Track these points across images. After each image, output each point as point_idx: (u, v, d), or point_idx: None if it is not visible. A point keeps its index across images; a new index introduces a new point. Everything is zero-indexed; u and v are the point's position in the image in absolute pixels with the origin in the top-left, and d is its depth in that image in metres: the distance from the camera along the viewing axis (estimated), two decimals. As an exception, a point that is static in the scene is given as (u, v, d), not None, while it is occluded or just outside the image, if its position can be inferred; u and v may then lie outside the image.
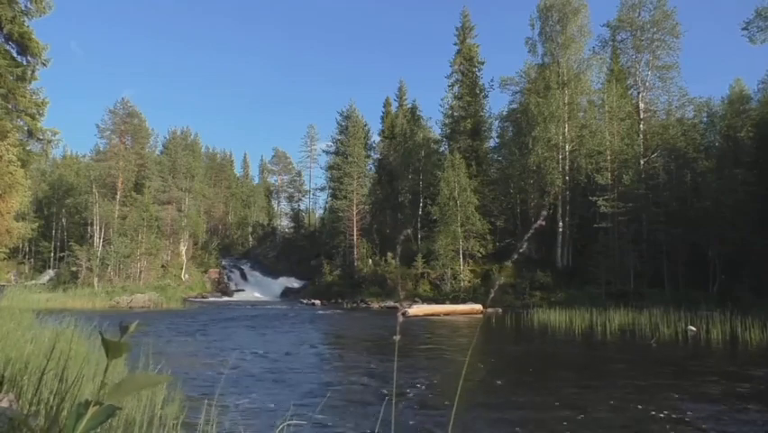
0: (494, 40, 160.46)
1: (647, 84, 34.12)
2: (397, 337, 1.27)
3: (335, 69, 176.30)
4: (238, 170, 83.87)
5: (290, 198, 72.16)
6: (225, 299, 45.18)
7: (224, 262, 57.22)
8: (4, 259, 26.43)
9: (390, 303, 33.89)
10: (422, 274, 37.17)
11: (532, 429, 6.03)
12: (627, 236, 28.85)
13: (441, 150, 44.39)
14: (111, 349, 0.84)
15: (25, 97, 17.44)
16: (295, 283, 50.92)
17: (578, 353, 13.85)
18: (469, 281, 34.83)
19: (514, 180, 38.35)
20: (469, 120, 41.82)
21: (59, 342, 4.55)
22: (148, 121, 53.07)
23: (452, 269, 35.63)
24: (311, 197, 71.76)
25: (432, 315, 25.13)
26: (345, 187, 46.92)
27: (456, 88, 43.11)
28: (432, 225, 38.39)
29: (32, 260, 56.04)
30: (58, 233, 55.69)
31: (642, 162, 30.85)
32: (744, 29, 25.92)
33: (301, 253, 57.22)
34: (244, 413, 6.38)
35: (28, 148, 18.66)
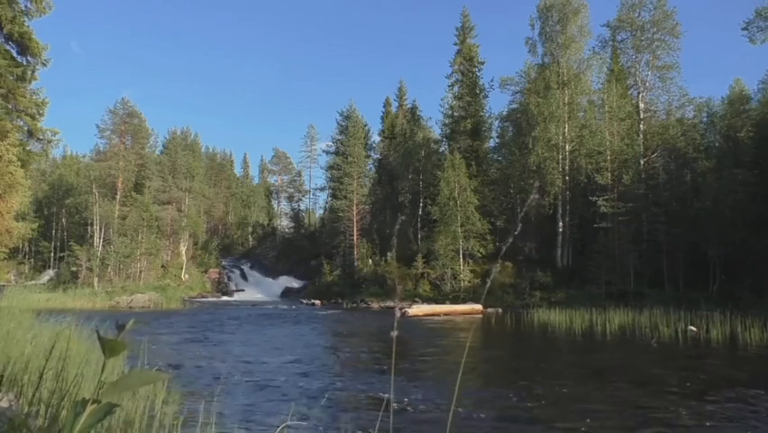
0: (494, 40, 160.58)
1: (647, 84, 34.13)
2: (394, 333, 1.27)
3: (335, 69, 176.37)
4: (238, 170, 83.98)
5: (290, 198, 72.16)
6: (225, 299, 45.15)
7: (224, 262, 57.21)
8: (4, 259, 26.41)
9: (390, 303, 33.88)
10: (422, 274, 37.16)
11: (531, 430, 6.03)
12: (627, 236, 28.85)
13: (441, 150, 44.36)
14: (108, 347, 0.84)
15: (25, 97, 17.45)
16: (295, 283, 50.90)
17: (578, 353, 13.85)
18: (469, 281, 34.82)
19: (514, 180, 38.33)
20: (469, 120, 41.79)
21: (59, 342, 4.55)
22: (148, 121, 53.11)
23: (452, 269, 35.62)
24: (311, 197, 71.83)
25: (432, 315, 25.13)
26: (345, 187, 46.91)
27: (456, 88, 43.08)
28: (432, 225, 38.38)
29: (32, 260, 56.04)
30: (58, 233, 55.69)
31: (642, 162, 30.86)
32: (744, 29, 25.96)
33: (301, 253, 57.20)
34: (244, 413, 6.39)
35: (28, 148, 18.66)
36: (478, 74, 43.31)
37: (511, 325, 19.91)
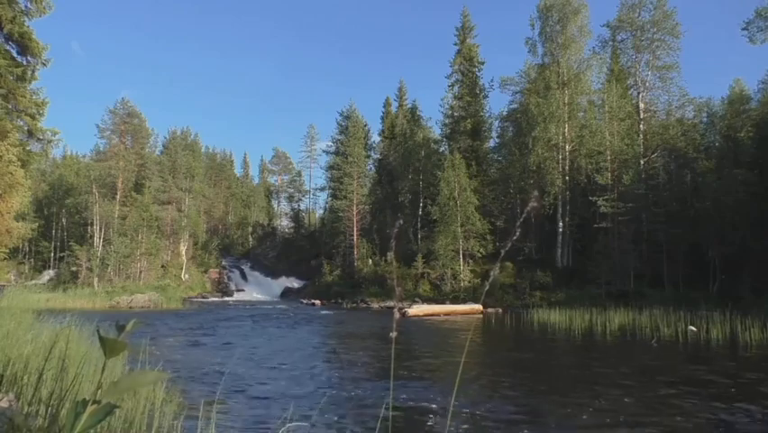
0: (494, 40, 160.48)
1: (647, 84, 34.13)
2: (393, 334, 1.27)
3: (336, 70, 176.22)
4: (238, 170, 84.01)
5: (290, 198, 72.17)
6: (225, 299, 45.19)
7: (224, 262, 57.23)
8: (4, 259, 26.39)
9: (391, 303, 33.90)
10: (422, 274, 37.17)
11: (530, 430, 6.03)
12: (627, 236, 28.83)
13: (441, 150, 44.38)
14: (108, 347, 0.84)
15: (25, 97, 17.44)
16: (295, 283, 50.94)
17: (578, 353, 13.85)
18: (469, 281, 34.83)
19: (514, 180, 38.35)
20: (469, 120, 41.82)
21: (59, 342, 4.55)
22: (148, 121, 53.18)
23: (452, 269, 35.62)
24: (311, 197, 71.84)
25: (432, 315, 25.13)
26: (345, 187, 46.94)
27: (456, 88, 43.11)
28: (432, 225, 38.39)
29: (32, 260, 56.01)
30: (58, 233, 55.66)
31: (642, 162, 30.85)
32: (744, 29, 25.97)
33: (301, 253, 57.22)
34: (244, 413, 6.38)
35: (28, 148, 18.65)
36: (478, 74, 43.35)
37: (511, 325, 19.92)
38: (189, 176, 53.64)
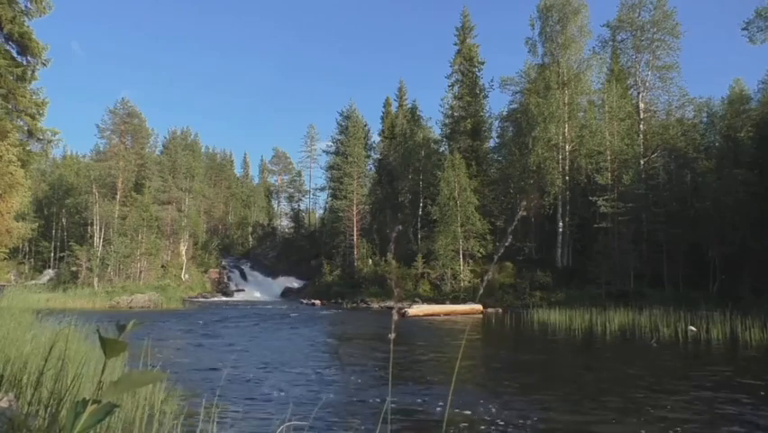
0: (494, 40, 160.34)
1: (647, 84, 34.15)
2: (392, 335, 1.27)
3: (336, 70, 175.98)
4: (238, 170, 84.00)
5: (290, 198, 72.18)
6: (225, 299, 45.19)
7: (224, 262, 57.24)
8: (4, 259, 26.39)
9: (390, 303, 33.90)
10: (422, 274, 37.17)
11: (530, 431, 6.03)
12: (627, 236, 28.84)
13: (441, 150, 44.39)
14: (109, 347, 0.84)
15: (25, 97, 17.45)
16: (295, 283, 50.94)
17: (579, 353, 13.85)
18: (469, 281, 34.84)
19: (514, 180, 38.34)
20: (469, 120, 41.83)
21: (59, 342, 4.55)
22: (148, 121, 53.21)
23: (452, 269, 35.63)
24: (311, 197, 71.84)
25: (432, 315, 25.13)
26: (345, 187, 46.95)
27: (456, 88, 43.11)
28: (432, 225, 38.40)
29: (32, 260, 56.00)
30: (58, 233, 55.67)
31: (642, 162, 30.86)
32: (744, 29, 25.98)
33: (301, 253, 57.23)
34: (244, 412, 6.38)
35: (28, 148, 18.66)
36: (478, 74, 43.35)
37: (511, 325, 19.92)
38: (189, 176, 53.66)
